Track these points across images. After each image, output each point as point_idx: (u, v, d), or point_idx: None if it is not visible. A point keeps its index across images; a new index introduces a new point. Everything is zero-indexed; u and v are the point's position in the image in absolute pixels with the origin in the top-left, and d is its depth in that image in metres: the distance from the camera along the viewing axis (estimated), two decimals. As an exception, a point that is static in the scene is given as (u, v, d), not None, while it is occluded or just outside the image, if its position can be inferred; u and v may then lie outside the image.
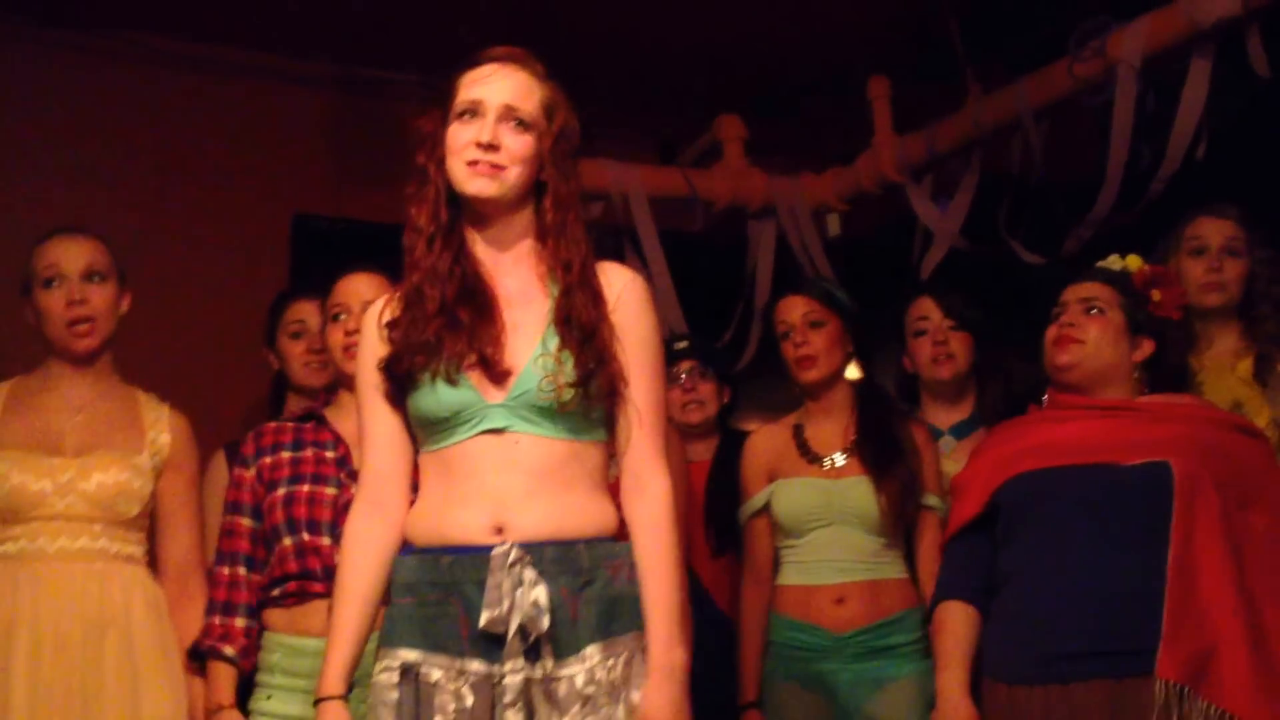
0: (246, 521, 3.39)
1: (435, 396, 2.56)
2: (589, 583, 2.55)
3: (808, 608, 3.70)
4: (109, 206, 4.68)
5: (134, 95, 5.32)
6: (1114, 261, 3.43)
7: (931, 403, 4.12)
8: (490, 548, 2.51)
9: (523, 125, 2.63)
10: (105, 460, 3.38)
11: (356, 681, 2.61)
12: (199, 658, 3.35)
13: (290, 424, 3.48)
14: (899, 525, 3.71)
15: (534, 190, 2.67)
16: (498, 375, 2.56)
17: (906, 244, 5.40)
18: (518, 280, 2.67)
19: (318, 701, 2.58)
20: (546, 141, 2.65)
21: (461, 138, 2.62)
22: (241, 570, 3.36)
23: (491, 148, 2.60)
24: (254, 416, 4.31)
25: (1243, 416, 3.41)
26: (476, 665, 2.49)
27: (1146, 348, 3.30)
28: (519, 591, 2.47)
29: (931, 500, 3.71)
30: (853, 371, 3.95)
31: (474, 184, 2.61)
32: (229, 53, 5.47)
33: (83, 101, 5.22)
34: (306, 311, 3.95)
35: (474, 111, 2.62)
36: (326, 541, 3.27)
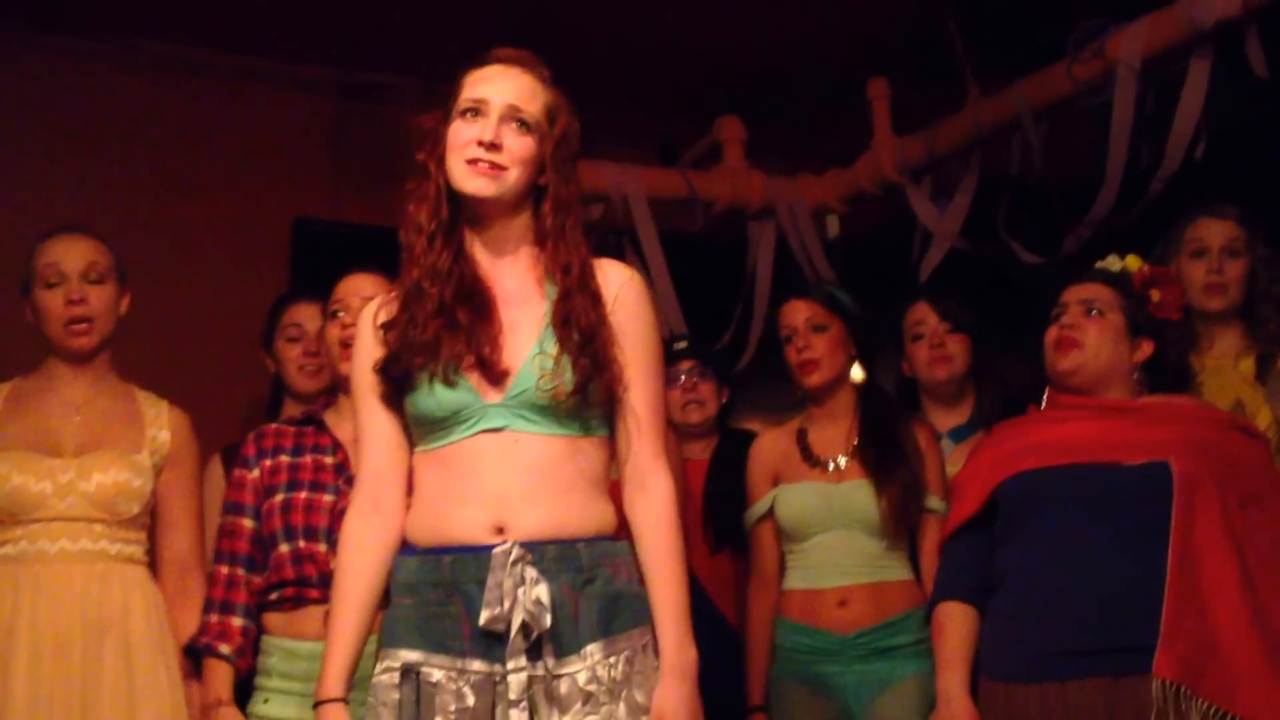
0: (247, 522, 3.38)
1: (434, 397, 2.56)
2: (590, 581, 2.55)
3: (811, 611, 3.70)
4: (110, 210, 4.68)
5: (135, 100, 5.33)
6: (1113, 262, 3.43)
7: (931, 406, 4.13)
8: (491, 547, 2.51)
9: (525, 127, 2.63)
10: (105, 460, 3.38)
11: (355, 683, 2.61)
12: (195, 656, 3.35)
13: (290, 428, 3.48)
14: (901, 528, 3.70)
15: (532, 193, 2.67)
16: (495, 376, 2.56)
17: (906, 245, 5.40)
18: (515, 281, 2.67)
19: (317, 704, 2.58)
20: (548, 145, 2.65)
21: (463, 135, 2.61)
22: (240, 570, 3.36)
23: (494, 147, 2.59)
24: (253, 419, 4.31)
25: (1242, 417, 3.41)
26: (478, 665, 2.49)
27: (1146, 349, 3.29)
28: (521, 590, 2.48)
29: (934, 502, 3.70)
30: (856, 374, 3.95)
31: (473, 182, 2.60)
32: (229, 58, 5.47)
33: (84, 106, 5.23)
34: (303, 315, 3.96)
35: (477, 110, 2.62)
36: (323, 548, 3.26)
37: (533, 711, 2.49)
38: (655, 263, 5.31)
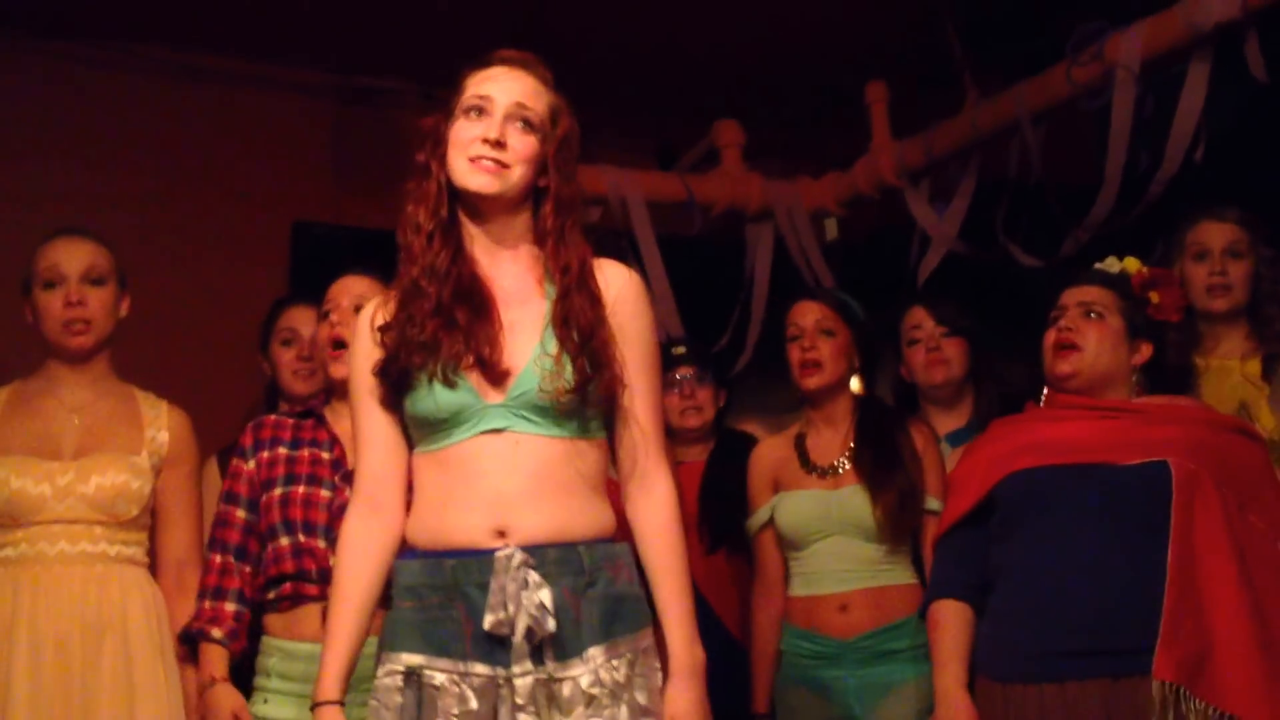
0: (241, 513, 3.38)
1: (433, 398, 2.56)
2: (591, 584, 2.55)
3: (812, 617, 3.71)
4: (110, 213, 4.68)
5: (136, 104, 5.34)
6: (1112, 264, 3.42)
7: (929, 410, 4.13)
8: (493, 550, 2.51)
9: (529, 126, 2.63)
10: (103, 462, 3.39)
11: (352, 685, 2.61)
12: (189, 641, 3.35)
13: (289, 419, 3.48)
14: (900, 533, 3.70)
15: (532, 194, 2.68)
16: (496, 376, 2.56)
17: (904, 248, 5.40)
18: (514, 281, 2.67)
19: (314, 706, 2.57)
20: (550, 145, 2.65)
21: (467, 133, 2.62)
22: (233, 559, 3.36)
23: (498, 144, 2.60)
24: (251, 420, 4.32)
25: (1241, 419, 3.40)
26: (480, 668, 2.49)
27: (1145, 351, 3.29)
28: (524, 594, 2.47)
29: (934, 504, 3.70)
30: (854, 385, 3.95)
31: (476, 179, 2.60)
32: (229, 62, 5.48)
33: (85, 110, 5.23)
34: (298, 319, 3.97)
35: (482, 109, 2.63)
36: (321, 544, 3.27)
37: (535, 714, 2.49)
38: (653, 265, 5.31)
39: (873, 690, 3.63)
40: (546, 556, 2.52)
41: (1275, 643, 2.97)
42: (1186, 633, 2.92)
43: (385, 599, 2.64)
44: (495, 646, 2.49)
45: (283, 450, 3.40)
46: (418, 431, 2.63)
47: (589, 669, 2.49)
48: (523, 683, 2.48)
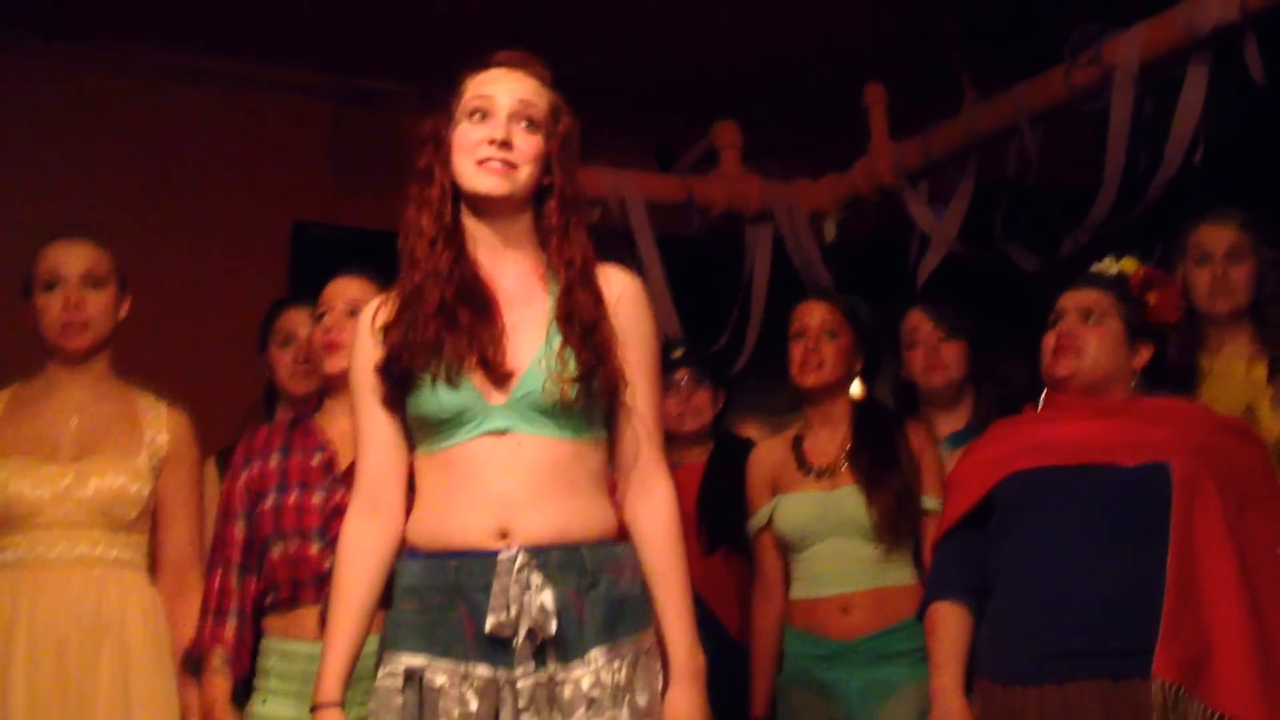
0: (239, 529, 3.38)
1: (436, 399, 2.55)
2: (593, 585, 2.55)
3: (813, 618, 3.71)
4: (110, 215, 4.68)
5: (135, 106, 5.34)
6: (1109, 264, 3.41)
7: (929, 412, 4.13)
8: (495, 552, 2.51)
9: (534, 126, 2.64)
10: (101, 465, 3.38)
11: (351, 684, 2.61)
12: (192, 664, 3.35)
13: (280, 430, 3.48)
14: (897, 534, 3.70)
15: (534, 193, 2.68)
16: (500, 377, 2.56)
17: (903, 249, 5.40)
18: (516, 281, 2.67)
19: (314, 708, 2.57)
20: (554, 144, 2.66)
21: (472, 136, 2.62)
22: (234, 577, 3.35)
23: (505, 144, 2.60)
24: (250, 423, 4.31)
25: (1240, 420, 3.40)
26: (481, 670, 2.49)
27: (1145, 354, 3.28)
28: (527, 596, 2.48)
29: (932, 503, 3.70)
30: (855, 389, 3.95)
31: (485, 182, 2.61)
32: (228, 64, 5.49)
33: (84, 112, 5.24)
34: (295, 320, 3.97)
35: (485, 110, 2.63)
36: (315, 548, 3.26)
37: (536, 715, 2.49)
38: (652, 266, 5.31)
39: (874, 692, 3.63)
40: (549, 558, 2.52)
41: (1273, 644, 2.97)
42: (1186, 633, 2.92)
43: (385, 599, 2.64)
44: (497, 648, 2.49)
45: (274, 461, 3.39)
46: (420, 432, 2.63)
47: (590, 670, 2.49)
48: (524, 684, 2.48)
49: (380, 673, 2.54)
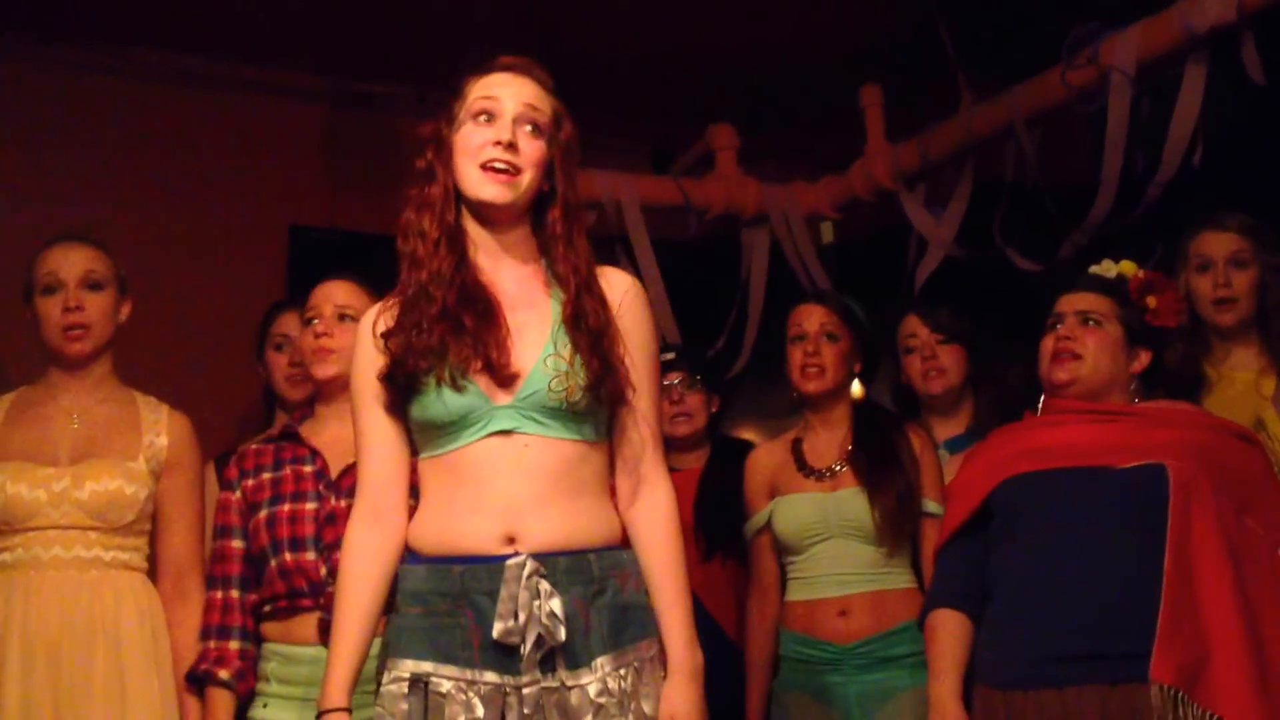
0: (237, 544, 3.38)
1: (441, 402, 2.55)
2: (600, 592, 2.56)
3: (812, 621, 3.70)
4: (107, 218, 4.66)
5: (132, 109, 5.33)
6: (1107, 267, 3.41)
7: (928, 417, 4.13)
8: (502, 557, 2.51)
9: (538, 130, 2.65)
10: (98, 468, 3.38)
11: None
12: (196, 682, 3.35)
13: (269, 445, 3.48)
14: (898, 536, 3.69)
15: (534, 199, 2.68)
16: (505, 378, 2.56)
17: (901, 252, 5.39)
18: (518, 285, 2.67)
19: (321, 714, 2.56)
20: (556, 149, 2.67)
21: (476, 139, 2.62)
22: (235, 593, 3.36)
23: (511, 147, 2.60)
24: (249, 427, 4.33)
25: (1238, 423, 3.38)
26: (488, 676, 2.49)
27: (1144, 358, 3.28)
28: (536, 603, 2.48)
29: (932, 507, 3.70)
30: (855, 389, 3.95)
31: (489, 189, 2.61)
32: (225, 67, 5.47)
33: (81, 116, 5.22)
34: (291, 324, 3.97)
35: (491, 113, 2.64)
36: (310, 557, 3.27)
37: None
38: (649, 269, 5.31)
39: (872, 697, 3.62)
40: (557, 565, 2.52)
41: (1270, 647, 2.97)
42: (1184, 636, 2.91)
43: (387, 604, 2.63)
44: (503, 654, 2.49)
45: (266, 475, 3.40)
46: (423, 436, 2.63)
47: (597, 678, 2.50)
48: (531, 691, 2.48)
49: (385, 678, 2.54)
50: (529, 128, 2.64)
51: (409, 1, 5.10)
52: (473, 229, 2.68)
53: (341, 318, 3.38)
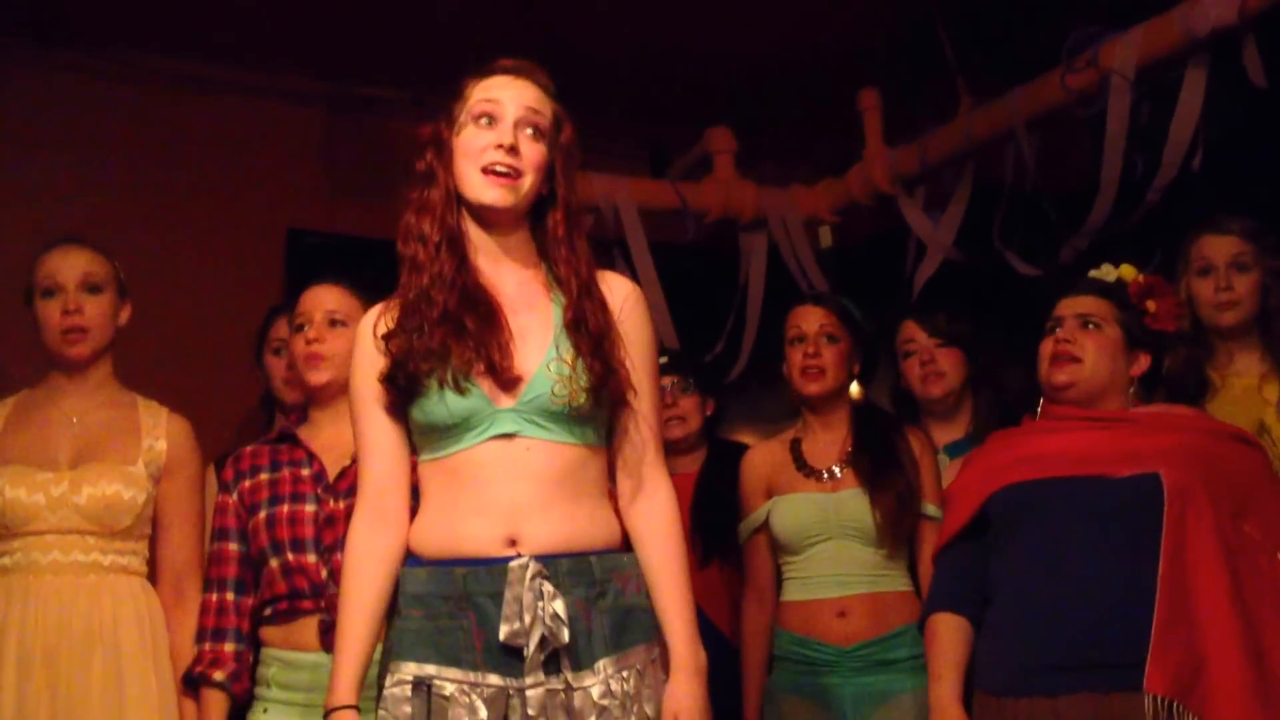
0: (233, 546, 3.38)
1: (444, 405, 2.55)
2: (601, 595, 2.56)
3: (810, 622, 3.69)
4: (104, 222, 4.65)
5: (130, 113, 5.34)
6: (1107, 271, 3.41)
7: (928, 421, 4.12)
8: (504, 560, 2.51)
9: (539, 134, 2.65)
10: (96, 472, 3.38)
11: None
12: (191, 685, 3.34)
13: (265, 446, 3.47)
14: (898, 537, 3.69)
15: (533, 203, 2.68)
16: (507, 381, 2.56)
17: (899, 255, 5.39)
18: (518, 288, 2.67)
19: (329, 712, 2.55)
20: (557, 153, 2.67)
21: (479, 141, 2.62)
22: (230, 595, 3.35)
23: (513, 150, 2.60)
24: (248, 430, 4.33)
25: (1239, 427, 3.37)
26: (491, 679, 2.49)
27: (1144, 362, 3.28)
28: (540, 604, 2.48)
29: (930, 510, 3.70)
30: (854, 390, 3.94)
31: (490, 193, 2.62)
32: (223, 71, 5.49)
33: (79, 119, 5.23)
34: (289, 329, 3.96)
35: (493, 116, 2.64)
36: (311, 559, 3.26)
37: None
38: (646, 273, 5.30)
39: (869, 699, 3.61)
40: (559, 567, 2.52)
41: (1266, 656, 2.95)
42: (1178, 646, 2.91)
43: (391, 607, 2.63)
44: (507, 657, 2.49)
45: (263, 476, 3.39)
46: (424, 439, 2.62)
47: (600, 680, 2.50)
48: (535, 694, 2.48)
49: (387, 681, 2.53)
50: (530, 131, 2.64)
51: (406, 6, 5.10)
52: (473, 232, 2.67)
53: (332, 323, 3.38)
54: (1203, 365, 3.63)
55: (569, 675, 2.50)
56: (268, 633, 3.31)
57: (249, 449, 3.48)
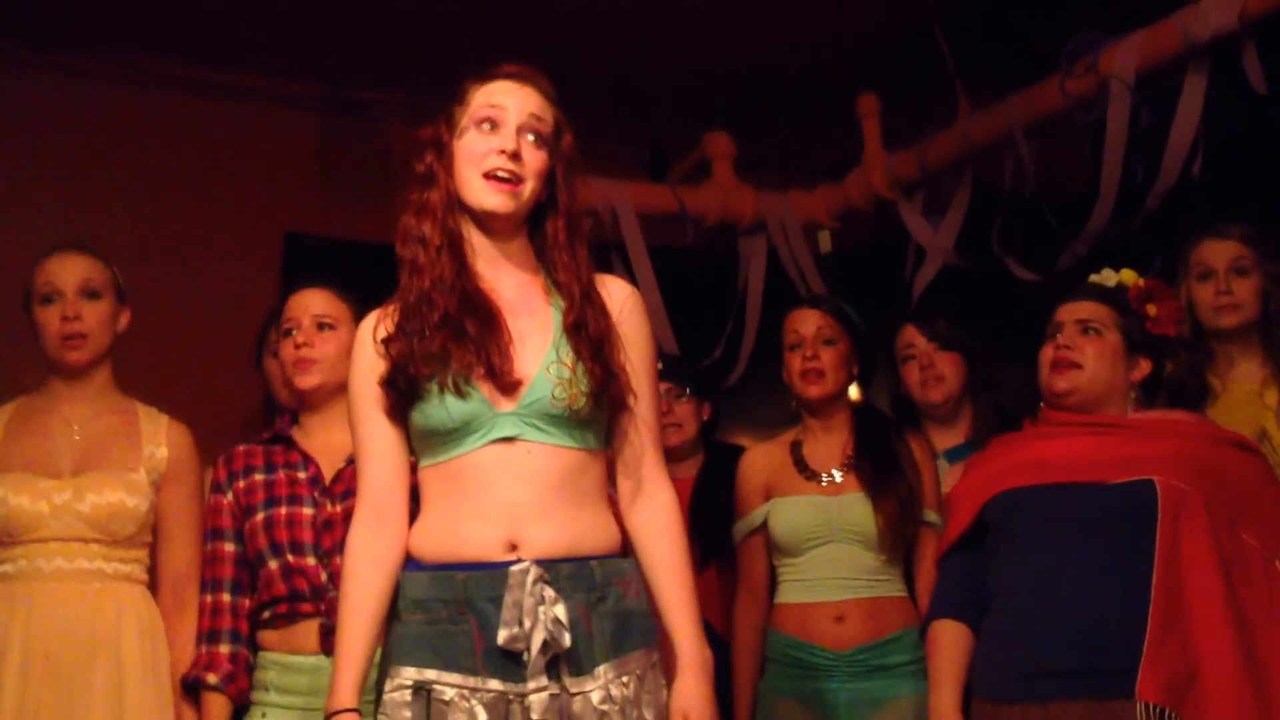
0: (229, 547, 3.37)
1: (445, 408, 2.55)
2: (601, 599, 2.55)
3: (806, 625, 3.68)
4: (102, 227, 4.68)
5: (127, 117, 5.34)
6: (1107, 276, 3.41)
7: (928, 426, 4.12)
8: (505, 564, 2.51)
9: (541, 140, 2.65)
10: (99, 480, 3.36)
11: None
12: (189, 689, 3.33)
13: (259, 446, 3.46)
14: (899, 542, 3.68)
15: (533, 208, 2.68)
16: (508, 385, 2.55)
17: (899, 260, 5.38)
18: (517, 292, 2.67)
19: (329, 715, 2.54)
20: (558, 160, 2.67)
21: (481, 146, 2.62)
22: (225, 597, 3.35)
23: (515, 156, 2.60)
24: (247, 434, 4.29)
25: (1238, 433, 3.37)
26: (491, 684, 2.48)
27: (1144, 367, 3.27)
28: (541, 609, 2.47)
29: (931, 516, 3.70)
30: (853, 393, 3.94)
31: (492, 199, 2.61)
32: (220, 75, 5.49)
33: (76, 123, 5.24)
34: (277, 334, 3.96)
35: (495, 121, 2.63)
36: (311, 561, 3.26)
37: None
38: (645, 278, 5.29)
39: (864, 704, 3.61)
40: (560, 571, 2.52)
41: (1261, 664, 2.95)
42: (1171, 654, 2.90)
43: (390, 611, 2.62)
44: (506, 661, 2.49)
45: (258, 476, 3.38)
46: (424, 443, 2.62)
47: (600, 685, 2.50)
48: (537, 698, 2.47)
49: (387, 685, 2.53)
50: (532, 137, 2.63)
51: (402, 9, 5.10)
52: (473, 235, 2.67)
53: (320, 326, 3.37)
54: (1204, 370, 3.63)
55: (568, 680, 2.49)
56: (266, 636, 3.31)
57: (241, 448, 3.47)
